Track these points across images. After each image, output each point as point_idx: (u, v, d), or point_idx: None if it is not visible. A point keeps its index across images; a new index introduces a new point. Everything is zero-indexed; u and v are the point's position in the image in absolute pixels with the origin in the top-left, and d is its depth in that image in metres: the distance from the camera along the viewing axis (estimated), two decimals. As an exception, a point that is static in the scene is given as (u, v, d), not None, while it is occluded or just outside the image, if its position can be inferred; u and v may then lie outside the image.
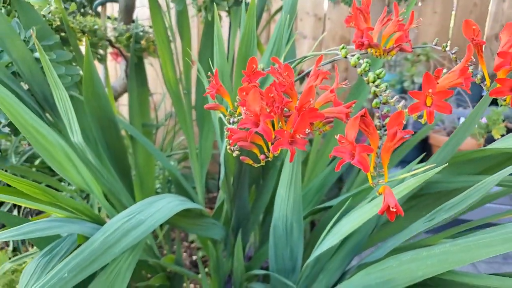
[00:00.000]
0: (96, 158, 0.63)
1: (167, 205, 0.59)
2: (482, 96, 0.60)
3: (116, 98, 1.35)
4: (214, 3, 0.68)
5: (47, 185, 0.78)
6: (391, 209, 0.31)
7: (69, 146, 0.56)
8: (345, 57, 0.47)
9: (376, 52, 0.49)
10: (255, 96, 0.37)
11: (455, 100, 1.70)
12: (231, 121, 0.45)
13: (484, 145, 0.69)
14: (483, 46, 0.38)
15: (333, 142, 1.04)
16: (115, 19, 1.30)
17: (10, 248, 1.13)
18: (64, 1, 0.99)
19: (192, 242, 1.52)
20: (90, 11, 1.35)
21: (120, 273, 0.55)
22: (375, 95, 0.42)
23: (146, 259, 0.77)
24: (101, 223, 0.59)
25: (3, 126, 0.78)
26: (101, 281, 0.54)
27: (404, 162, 1.33)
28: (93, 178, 0.57)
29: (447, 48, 0.48)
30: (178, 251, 0.87)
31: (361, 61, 0.45)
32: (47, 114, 0.77)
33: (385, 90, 0.41)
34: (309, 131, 0.36)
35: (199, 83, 1.12)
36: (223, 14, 1.18)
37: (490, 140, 1.40)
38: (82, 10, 1.30)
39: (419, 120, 0.36)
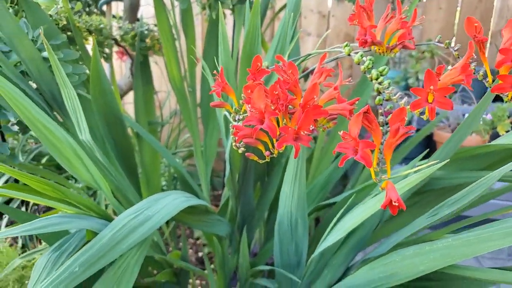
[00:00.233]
0: (104, 155, 0.64)
1: (173, 202, 0.60)
2: (486, 93, 0.60)
3: (121, 96, 1.36)
4: (219, 1, 0.68)
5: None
6: (394, 203, 0.32)
7: (78, 144, 0.57)
8: (349, 55, 0.48)
9: (379, 49, 0.50)
10: (260, 94, 0.38)
11: (460, 96, 1.69)
12: (236, 119, 0.46)
13: (489, 142, 0.69)
14: (489, 42, 0.38)
15: (337, 139, 1.04)
16: (120, 18, 1.31)
17: (19, 244, 1.15)
18: (70, 1, 1.01)
19: (197, 238, 1.53)
20: (95, 10, 1.36)
21: (128, 268, 0.56)
22: (378, 92, 0.42)
23: (153, 255, 0.78)
24: (108, 219, 0.60)
25: (12, 125, 0.79)
26: (109, 276, 0.55)
27: (408, 159, 1.33)
28: (101, 175, 0.58)
29: (452, 45, 0.48)
30: (184, 247, 0.88)
31: (364, 58, 0.46)
32: (55, 113, 0.79)
33: (388, 87, 0.42)
34: (313, 127, 0.37)
35: (204, 81, 1.13)
36: (227, 12, 1.19)
37: (495, 136, 1.40)
38: (87, 9, 1.31)
39: (422, 117, 0.37)
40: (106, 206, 1.23)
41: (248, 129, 0.40)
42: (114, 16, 1.31)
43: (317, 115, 0.38)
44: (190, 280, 1.08)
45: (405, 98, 0.40)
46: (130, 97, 1.48)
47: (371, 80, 0.45)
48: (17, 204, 1.63)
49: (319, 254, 0.67)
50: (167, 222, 1.24)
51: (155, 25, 1.24)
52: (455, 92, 1.68)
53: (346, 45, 0.49)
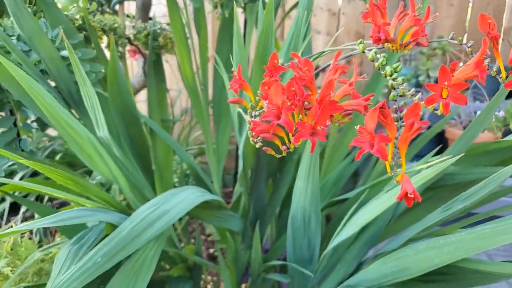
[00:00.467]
0: (121, 152, 0.66)
1: (189, 196, 0.62)
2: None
3: (134, 94, 1.39)
4: (233, 0, 0.69)
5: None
6: (409, 196, 0.33)
7: (97, 141, 0.59)
8: (363, 52, 0.49)
9: (392, 46, 0.51)
10: (277, 90, 0.39)
11: (472, 93, 1.68)
12: (252, 114, 0.47)
13: (502, 139, 0.70)
14: (501, 38, 0.39)
15: (348, 137, 1.05)
16: (133, 17, 1.32)
17: (37, 239, 1.17)
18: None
19: (209, 235, 1.55)
20: (107, 10, 1.38)
21: (146, 261, 0.58)
22: (392, 88, 0.43)
23: (167, 250, 0.80)
24: (126, 213, 0.61)
25: (32, 122, 0.81)
26: (128, 268, 0.57)
27: (419, 156, 1.33)
28: (119, 171, 0.60)
29: (463, 42, 0.49)
30: (198, 242, 0.90)
31: (378, 55, 0.47)
32: (72, 110, 0.81)
33: (402, 84, 0.43)
34: (329, 122, 0.38)
35: (216, 79, 1.14)
36: (239, 10, 1.20)
37: (507, 133, 1.39)
38: (100, 8, 1.33)
39: (436, 112, 0.37)
40: (120, 202, 1.26)
41: (266, 124, 0.41)
42: (127, 16, 1.33)
43: (333, 110, 0.39)
44: (202, 276, 1.10)
45: (420, 94, 0.41)
46: (141, 95, 1.50)
47: (385, 77, 0.45)
48: (32, 199, 1.67)
49: (332, 249, 0.68)
50: (180, 218, 1.26)
51: (167, 24, 1.26)
52: (467, 89, 1.67)
53: (360, 42, 0.50)
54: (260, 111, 0.47)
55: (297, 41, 0.71)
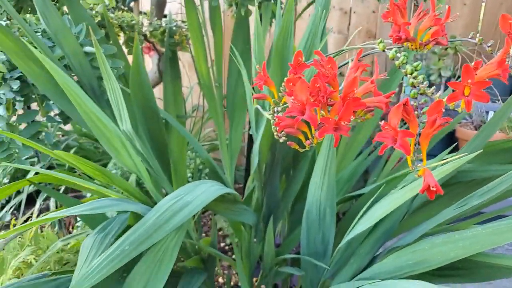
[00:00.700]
0: (142, 145, 0.68)
1: (209, 189, 0.64)
2: (512, 90, 0.62)
3: (149, 90, 1.41)
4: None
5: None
6: (431, 189, 0.34)
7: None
8: (383, 51, 0.50)
9: (412, 45, 0.52)
10: (302, 87, 0.41)
11: (483, 93, 1.68)
12: (275, 110, 0.49)
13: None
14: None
15: (360, 134, 1.06)
16: (150, 14, 1.35)
17: (55, 230, 1.20)
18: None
19: (219, 230, 1.57)
20: (122, 7, 1.41)
21: (168, 250, 0.60)
22: (413, 86, 0.45)
23: (184, 241, 0.82)
24: (148, 204, 0.64)
25: (55, 115, 0.84)
26: (151, 257, 0.59)
27: (431, 156, 1.34)
28: (142, 164, 0.62)
29: (479, 41, 0.50)
30: (214, 234, 0.92)
31: (398, 54, 0.48)
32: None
33: (422, 82, 0.44)
34: (353, 118, 0.39)
35: (230, 76, 1.16)
36: (253, 9, 1.22)
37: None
38: (116, 5, 1.36)
39: (457, 109, 0.39)
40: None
41: (290, 120, 0.42)
42: (145, 13, 1.35)
43: (357, 106, 0.40)
44: (215, 268, 1.12)
45: (440, 92, 0.42)
46: (155, 92, 1.52)
47: (406, 75, 0.47)
48: (46, 195, 1.70)
49: (346, 244, 0.70)
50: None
51: (183, 21, 1.28)
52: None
53: (381, 42, 0.52)
54: (283, 106, 0.49)
55: (314, 40, 0.73)
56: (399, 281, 0.47)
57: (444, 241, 0.51)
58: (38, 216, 1.53)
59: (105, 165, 1.61)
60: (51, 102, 0.79)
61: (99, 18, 1.05)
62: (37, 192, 1.74)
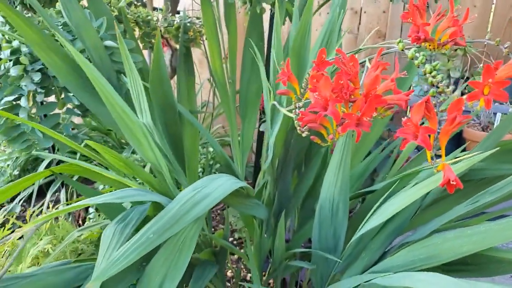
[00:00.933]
0: (161, 138, 0.70)
1: (226, 182, 0.66)
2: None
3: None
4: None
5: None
6: (451, 183, 0.36)
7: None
8: (403, 50, 0.52)
9: (430, 45, 0.54)
10: (326, 83, 0.42)
11: (492, 95, 1.69)
12: (297, 105, 0.50)
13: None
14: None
15: (371, 133, 1.07)
16: (164, 10, 1.36)
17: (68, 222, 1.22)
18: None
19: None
20: (136, 2, 1.42)
21: (187, 240, 0.62)
22: (432, 85, 0.46)
23: (199, 233, 0.84)
24: (168, 195, 0.66)
25: (74, 108, 0.86)
26: (170, 247, 0.61)
27: (439, 156, 1.35)
28: (162, 157, 0.64)
29: (496, 43, 0.51)
30: (227, 228, 0.94)
31: (417, 54, 0.50)
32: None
33: (441, 81, 0.46)
34: (375, 114, 0.41)
35: (243, 72, 1.17)
36: (266, 6, 1.23)
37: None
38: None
39: (476, 107, 0.40)
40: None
41: (313, 115, 0.44)
42: (160, 9, 1.37)
43: (379, 103, 0.42)
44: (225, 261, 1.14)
45: (457, 92, 0.44)
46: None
47: (425, 74, 0.49)
48: (57, 187, 1.73)
49: (357, 239, 0.72)
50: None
51: (196, 18, 1.30)
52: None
53: (400, 41, 0.53)
54: (304, 102, 0.50)
55: (330, 39, 0.74)
56: (414, 273, 0.49)
57: (457, 235, 0.53)
58: (48, 208, 1.56)
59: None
60: (70, 94, 0.81)
61: (116, 13, 1.06)
62: (47, 185, 1.77)
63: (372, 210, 0.65)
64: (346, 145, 0.65)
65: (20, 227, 1.00)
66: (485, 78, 0.36)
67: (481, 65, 0.47)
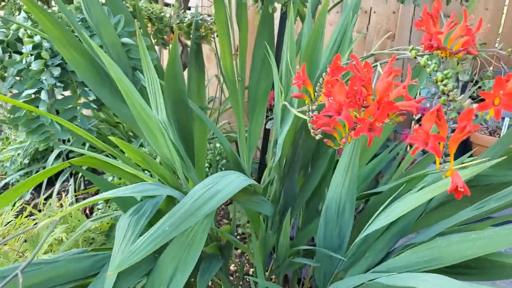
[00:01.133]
0: (174, 135, 0.72)
1: (237, 179, 0.67)
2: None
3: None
4: None
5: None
6: (459, 189, 0.37)
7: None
8: (415, 57, 0.53)
9: (442, 53, 0.55)
10: (341, 88, 0.44)
11: (499, 100, 1.69)
12: (310, 109, 0.52)
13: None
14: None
15: (378, 137, 1.09)
16: (177, 7, 1.38)
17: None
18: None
19: (231, 220, 1.61)
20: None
21: (197, 234, 0.64)
22: (443, 93, 0.48)
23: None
24: (181, 190, 0.67)
25: (90, 102, 0.88)
26: (181, 240, 0.63)
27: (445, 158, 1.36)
28: (175, 152, 0.66)
29: (508, 53, 0.53)
30: (233, 223, 0.96)
31: (429, 62, 0.52)
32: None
33: (452, 90, 0.47)
34: (387, 120, 0.43)
35: (252, 71, 1.19)
36: (277, 6, 1.24)
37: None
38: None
39: (485, 117, 0.42)
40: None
41: (327, 118, 0.46)
42: (172, 5, 1.38)
43: (391, 109, 0.43)
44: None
45: (469, 100, 0.45)
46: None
47: (436, 82, 0.50)
48: (65, 177, 1.77)
49: (362, 238, 0.73)
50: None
51: (208, 15, 1.31)
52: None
53: (412, 49, 0.55)
54: (317, 104, 0.52)
55: (343, 41, 0.76)
56: (419, 273, 0.51)
57: (461, 239, 0.55)
58: (60, 197, 1.59)
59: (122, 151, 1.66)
60: (87, 89, 0.83)
61: (130, 9, 1.08)
62: (56, 175, 1.80)
63: (378, 211, 0.67)
64: (355, 147, 0.67)
65: (33, 214, 1.03)
66: (496, 90, 0.38)
67: (491, 68, 0.48)
